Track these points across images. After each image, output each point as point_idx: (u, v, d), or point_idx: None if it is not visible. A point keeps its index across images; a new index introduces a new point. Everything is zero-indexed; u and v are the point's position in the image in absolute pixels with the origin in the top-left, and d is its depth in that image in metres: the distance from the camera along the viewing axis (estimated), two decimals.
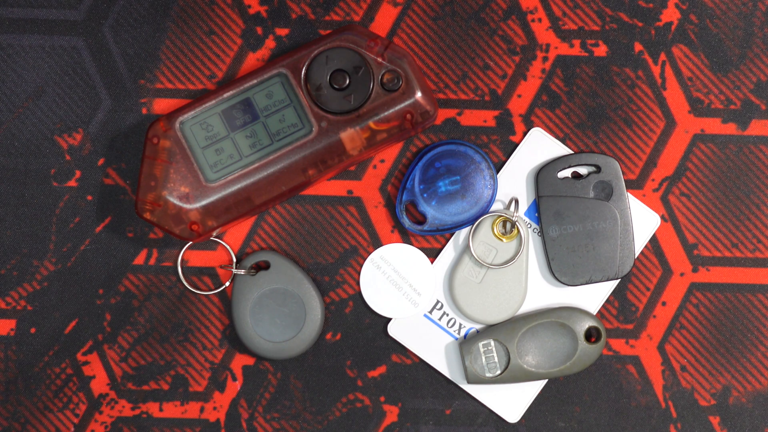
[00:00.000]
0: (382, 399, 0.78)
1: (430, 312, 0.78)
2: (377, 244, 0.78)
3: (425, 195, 0.76)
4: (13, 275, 0.78)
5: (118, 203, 0.78)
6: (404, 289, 0.77)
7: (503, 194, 0.77)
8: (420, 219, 0.78)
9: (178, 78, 0.78)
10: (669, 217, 0.78)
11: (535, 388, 0.77)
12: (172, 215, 0.74)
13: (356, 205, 0.78)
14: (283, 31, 0.78)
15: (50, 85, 0.78)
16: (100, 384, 0.78)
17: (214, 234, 0.76)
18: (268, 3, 0.78)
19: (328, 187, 0.78)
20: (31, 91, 0.78)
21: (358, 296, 0.78)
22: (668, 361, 0.78)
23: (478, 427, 0.78)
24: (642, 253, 0.78)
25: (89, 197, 0.78)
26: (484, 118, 0.78)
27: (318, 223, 0.78)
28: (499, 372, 0.76)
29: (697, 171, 0.78)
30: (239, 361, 0.78)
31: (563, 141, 0.78)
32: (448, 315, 0.77)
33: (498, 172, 0.78)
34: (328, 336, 0.78)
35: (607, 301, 0.78)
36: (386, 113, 0.74)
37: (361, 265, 0.78)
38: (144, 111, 0.78)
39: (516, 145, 0.78)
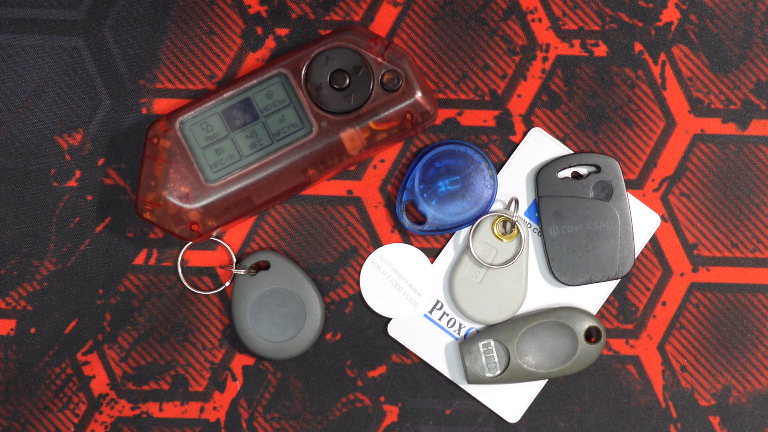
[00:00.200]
0: (382, 399, 0.78)
1: (430, 312, 0.78)
2: (377, 244, 0.78)
3: (425, 195, 0.76)
4: (13, 275, 0.78)
5: (118, 203, 0.78)
6: (404, 289, 0.77)
7: (503, 194, 0.77)
8: (420, 219, 0.78)
9: (178, 78, 0.78)
10: (669, 217, 0.78)
11: (535, 388, 0.77)
12: (172, 215, 0.74)
13: (356, 205, 0.78)
14: (283, 31, 0.78)
15: (50, 85, 0.78)
16: (100, 384, 0.78)
17: (214, 234, 0.76)
18: (268, 3, 0.78)
19: (328, 187, 0.78)
20: (31, 91, 0.78)
21: (358, 296, 0.78)
22: (668, 361, 0.78)
23: (478, 427, 0.78)
24: (642, 253, 0.78)
25: (89, 197, 0.78)
26: (484, 118, 0.78)
27: (318, 223, 0.78)
28: (499, 372, 0.76)
29: (697, 171, 0.78)
30: (239, 361, 0.78)
31: (563, 141, 0.78)
32: (448, 315, 0.77)
33: (498, 172, 0.78)
34: (328, 336, 0.78)
35: (607, 301, 0.78)
36: (386, 113, 0.74)
37: (361, 265, 0.78)
38: (144, 111, 0.78)
39: (516, 145, 0.78)
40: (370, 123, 0.74)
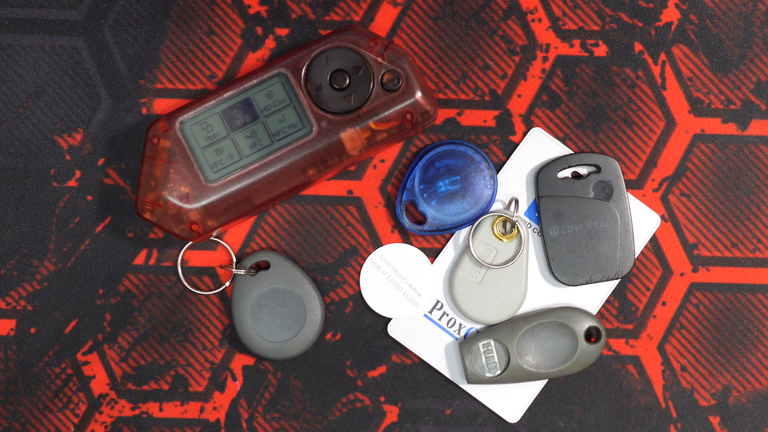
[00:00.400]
0: (382, 399, 0.78)
1: (430, 312, 0.78)
2: (377, 244, 0.78)
3: (425, 195, 0.76)
4: (13, 275, 0.78)
5: (118, 203, 0.78)
6: (404, 289, 0.77)
7: (503, 194, 0.77)
8: (420, 219, 0.78)
9: (178, 78, 0.78)
10: (669, 217, 0.78)
11: (535, 388, 0.77)
12: (172, 215, 0.74)
13: (356, 205, 0.78)
14: (283, 31, 0.78)
15: (50, 85, 0.78)
16: (100, 384, 0.78)
17: (214, 234, 0.76)
18: (268, 3, 0.78)
19: (328, 187, 0.78)
20: (31, 91, 0.78)
21: (358, 296, 0.78)
22: (668, 361, 0.78)
23: (478, 427, 0.78)
24: (642, 253, 0.78)
25: (89, 197, 0.78)
26: (484, 118, 0.78)
27: (318, 223, 0.78)
28: (499, 372, 0.76)
29: (697, 171, 0.78)
30: (239, 361, 0.78)
31: (563, 141, 0.78)
32: (448, 315, 0.77)
33: (498, 172, 0.78)
34: (328, 336, 0.78)
35: (607, 301, 0.78)
36: (386, 113, 0.74)
37: (361, 265, 0.78)
38: (144, 111, 0.78)
39: (516, 145, 0.78)
40: (370, 123, 0.74)
